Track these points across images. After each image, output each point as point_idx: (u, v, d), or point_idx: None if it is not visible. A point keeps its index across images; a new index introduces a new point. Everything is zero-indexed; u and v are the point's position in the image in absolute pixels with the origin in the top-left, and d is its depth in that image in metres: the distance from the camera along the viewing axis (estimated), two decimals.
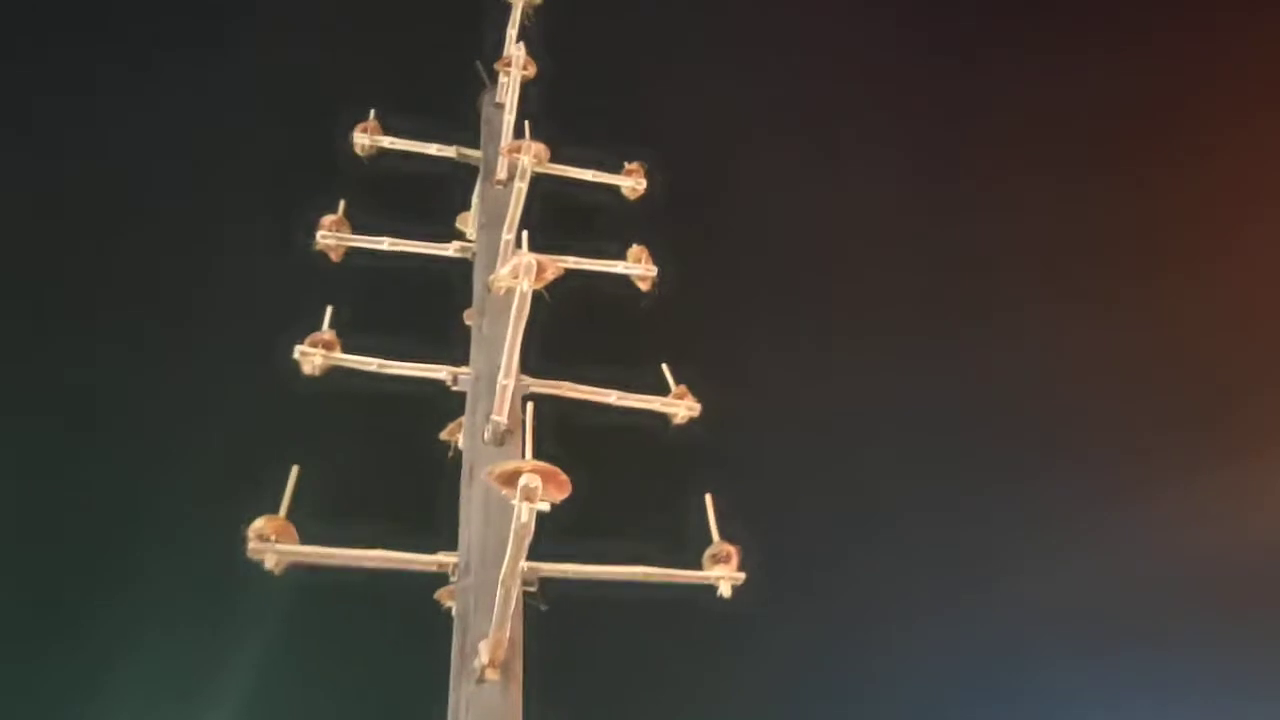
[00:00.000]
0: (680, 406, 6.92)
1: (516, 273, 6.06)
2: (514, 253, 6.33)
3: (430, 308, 7.52)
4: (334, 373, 6.72)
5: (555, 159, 7.45)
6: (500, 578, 5.27)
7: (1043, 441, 12.20)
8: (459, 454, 6.61)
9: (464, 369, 6.71)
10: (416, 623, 6.07)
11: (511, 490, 5.07)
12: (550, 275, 6.16)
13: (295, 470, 6.02)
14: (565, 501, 5.71)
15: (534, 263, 6.04)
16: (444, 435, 6.89)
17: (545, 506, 5.05)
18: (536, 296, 6.07)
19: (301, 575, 5.88)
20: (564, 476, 5.13)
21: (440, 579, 6.05)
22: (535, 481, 5.02)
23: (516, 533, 5.11)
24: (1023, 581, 11.42)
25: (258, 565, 5.80)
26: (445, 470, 6.54)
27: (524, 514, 5.02)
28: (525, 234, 6.86)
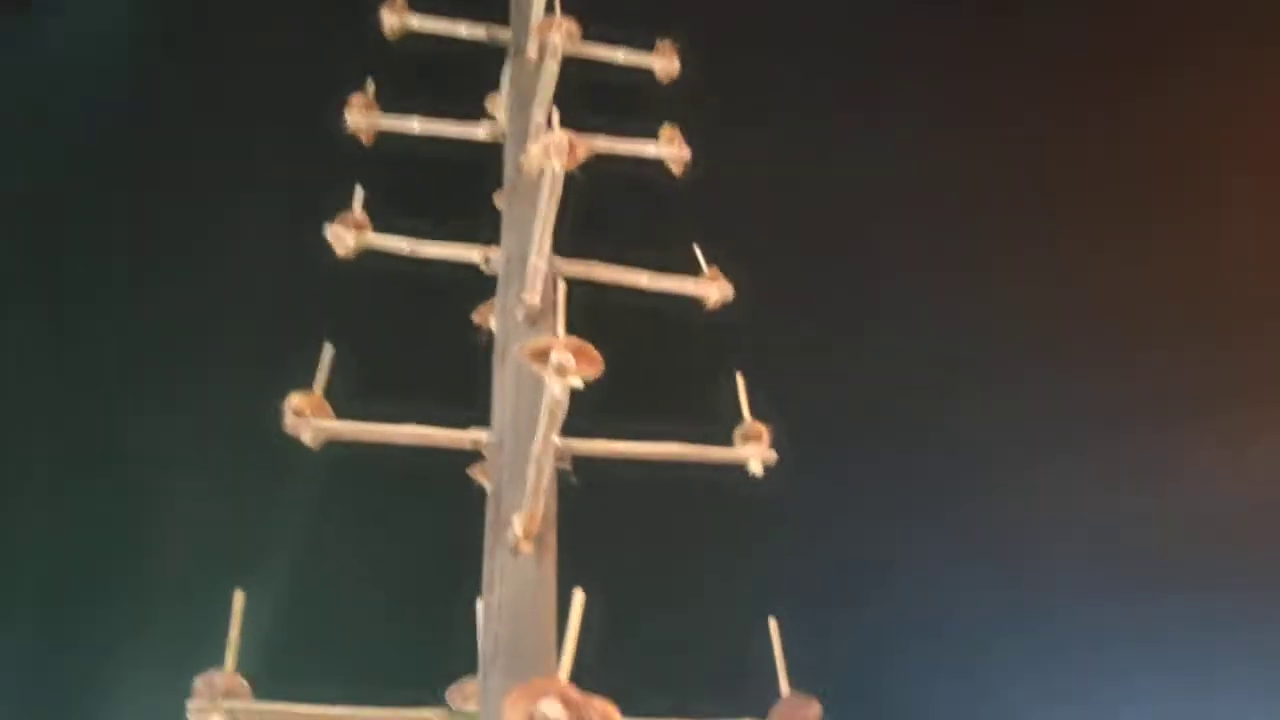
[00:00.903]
0: (713, 289, 6.84)
1: (547, 152, 5.96)
2: (545, 133, 6.21)
3: (461, 191, 7.44)
4: (366, 255, 6.70)
5: (586, 38, 7.25)
6: (533, 453, 5.29)
7: (1099, 345, 11.98)
8: (491, 336, 6.61)
9: (495, 250, 6.65)
10: (451, 499, 6.13)
11: (543, 366, 5.06)
12: (581, 154, 6.04)
13: (329, 349, 6.05)
14: (598, 381, 5.71)
15: (565, 141, 5.93)
16: (476, 318, 6.87)
17: (577, 382, 5.04)
18: (568, 176, 5.98)
19: (338, 452, 5.95)
20: (595, 353, 5.09)
21: (474, 456, 6.10)
22: (567, 357, 5.00)
23: (549, 408, 5.12)
24: (1055, 478, 11.36)
25: (295, 441, 5.88)
26: (478, 352, 6.55)
27: (556, 390, 5.01)
28: (556, 114, 6.71)
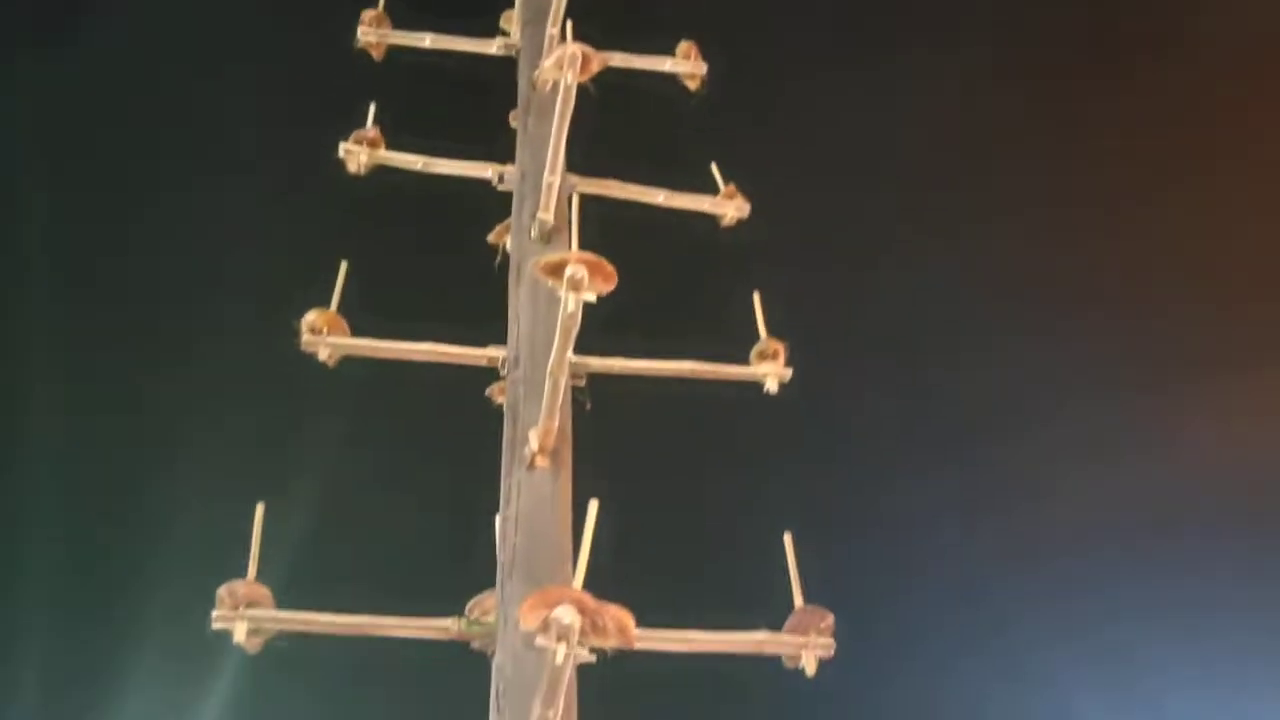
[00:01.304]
0: (729, 207, 6.77)
1: (560, 65, 5.86)
2: (558, 46, 6.10)
3: (474, 109, 7.35)
4: (379, 171, 6.65)
5: None
6: (549, 368, 5.28)
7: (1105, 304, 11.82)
8: (507, 257, 6.57)
9: (509, 167, 6.59)
10: (469, 419, 6.15)
11: (558, 281, 5.03)
12: (595, 67, 5.94)
13: (344, 266, 6.04)
14: (613, 300, 5.69)
15: (578, 54, 5.82)
16: (491, 238, 6.83)
17: (591, 297, 5.01)
18: (581, 90, 5.89)
19: (355, 369, 5.97)
20: (610, 268, 5.05)
21: (491, 375, 6.11)
22: (581, 272, 4.95)
23: (563, 324, 5.09)
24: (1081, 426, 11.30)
25: (311, 359, 5.89)
26: (492, 272, 6.52)
27: (570, 304, 4.98)
28: (570, 27, 6.58)
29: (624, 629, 4.15)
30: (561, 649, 4.00)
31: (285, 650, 5.19)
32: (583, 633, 4.04)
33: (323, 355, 5.83)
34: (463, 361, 6.00)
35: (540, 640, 4.10)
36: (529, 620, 4.14)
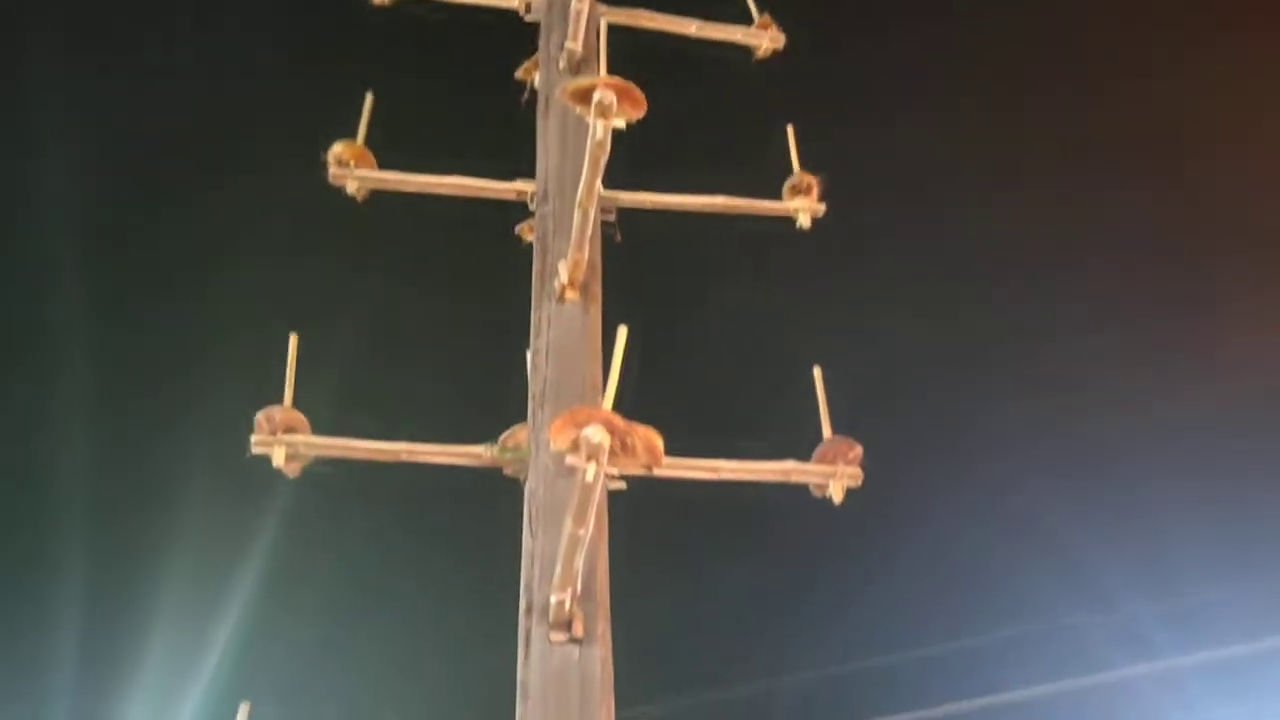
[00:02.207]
0: (764, 38, 6.51)
1: None
2: None
3: None
4: (405, 2, 6.44)
5: None
6: (577, 199, 5.19)
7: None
8: (535, 94, 6.41)
9: None
10: (497, 255, 6.10)
11: (585, 108, 4.89)
12: None
13: (369, 99, 5.91)
14: (644, 133, 5.54)
15: None
16: (519, 74, 6.65)
17: (620, 123, 4.87)
18: None
19: (383, 204, 5.91)
20: (639, 93, 4.89)
21: (521, 211, 6.02)
22: (610, 97, 4.81)
23: (592, 152, 4.97)
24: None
25: (339, 192, 5.83)
26: (521, 109, 6.36)
27: (599, 131, 4.85)
28: None
29: (652, 449, 4.17)
30: (591, 468, 4.03)
31: (325, 477, 5.30)
32: (612, 452, 4.07)
33: (351, 189, 5.77)
34: (491, 195, 5.92)
35: (570, 460, 4.13)
36: (559, 440, 4.17)
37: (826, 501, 5.33)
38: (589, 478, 4.03)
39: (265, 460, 5.07)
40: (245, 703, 4.50)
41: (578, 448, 4.07)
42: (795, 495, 5.54)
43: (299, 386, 5.24)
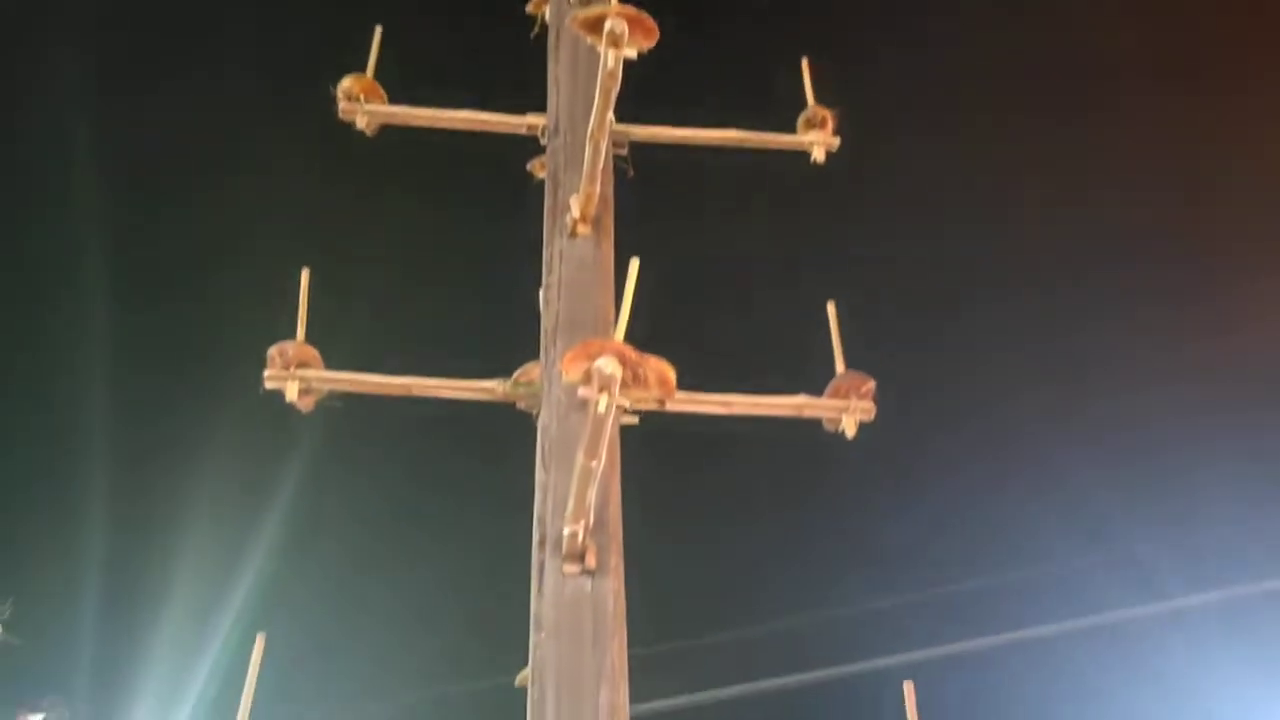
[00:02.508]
0: None
1: None
2: None
3: None
4: None
5: None
6: (589, 132, 5.10)
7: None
8: (545, 28, 6.28)
9: None
10: (509, 192, 6.02)
11: (596, 37, 4.78)
12: None
13: (378, 31, 5.80)
14: (655, 66, 5.42)
15: None
16: (530, 8, 6.52)
17: (632, 53, 4.76)
18: None
19: (393, 138, 5.82)
20: (651, 22, 4.77)
21: (533, 147, 5.93)
22: (621, 25, 4.69)
23: (603, 83, 4.87)
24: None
25: (349, 129, 5.75)
26: (531, 44, 6.25)
27: (610, 61, 4.74)
28: None
29: (665, 380, 4.13)
30: (603, 399, 4.00)
31: (343, 418, 5.29)
32: (624, 383, 4.03)
33: (360, 123, 5.68)
34: (502, 129, 5.82)
35: (582, 391, 4.10)
36: (571, 372, 4.13)
37: (839, 438, 5.28)
38: (601, 409, 4.00)
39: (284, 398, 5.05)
40: (261, 634, 4.52)
41: (589, 379, 4.03)
42: (807, 432, 5.51)
43: (315, 323, 5.22)
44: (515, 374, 5.75)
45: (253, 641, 4.61)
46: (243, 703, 4.41)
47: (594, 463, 4.21)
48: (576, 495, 4.33)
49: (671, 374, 4.16)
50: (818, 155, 5.79)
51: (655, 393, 4.10)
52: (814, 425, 5.26)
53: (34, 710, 9.72)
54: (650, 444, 5.05)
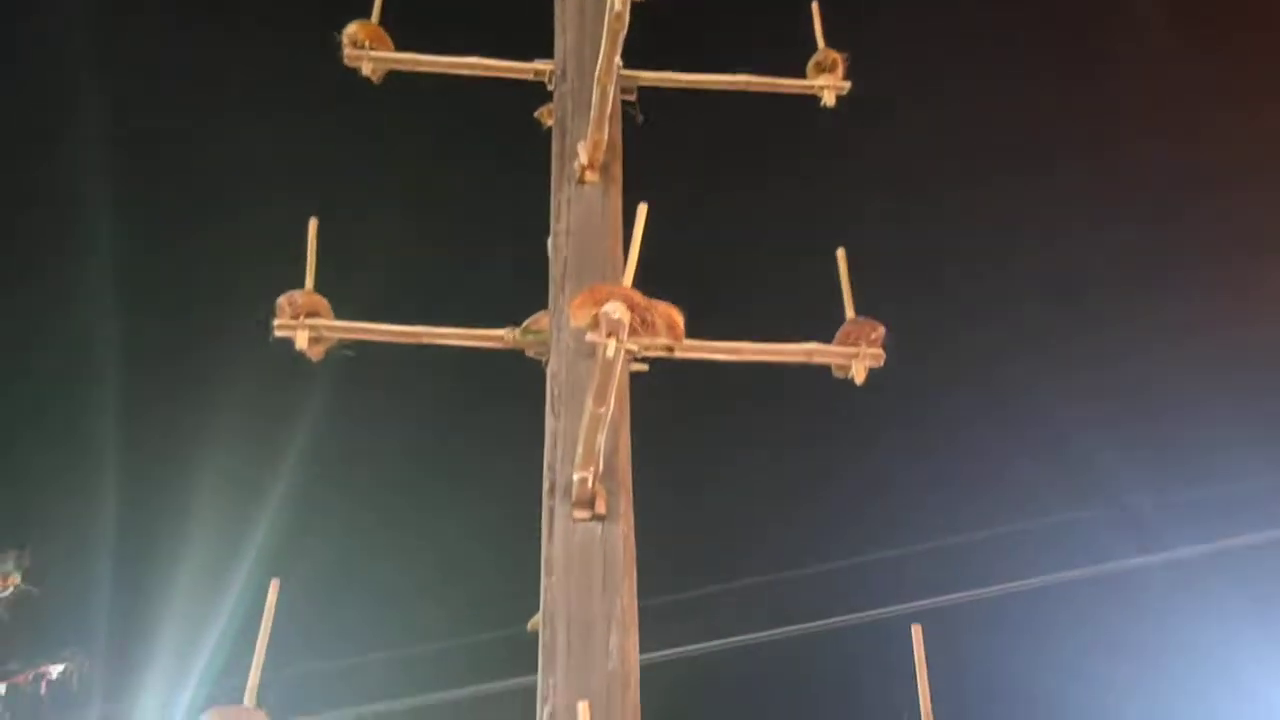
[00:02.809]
0: None
1: None
2: None
3: None
4: None
5: None
6: (596, 76, 5.01)
7: None
8: None
9: None
10: (515, 140, 5.95)
11: None
12: None
13: None
14: (664, 11, 5.32)
15: None
16: None
17: None
18: None
19: (399, 84, 5.74)
20: None
21: (540, 94, 5.84)
22: None
23: (610, 26, 4.77)
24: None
25: (356, 74, 5.66)
26: None
27: (617, 3, 4.65)
28: None
29: (673, 325, 4.09)
30: (611, 344, 3.96)
31: (351, 363, 5.26)
32: (632, 329, 4.00)
33: (366, 70, 5.59)
34: (509, 75, 5.73)
35: (590, 336, 4.06)
36: (579, 317, 4.10)
37: (848, 385, 5.24)
38: (609, 355, 3.97)
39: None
40: (275, 579, 4.53)
41: (598, 324, 4.00)
42: (817, 381, 5.47)
43: (326, 273, 5.17)
44: (525, 322, 5.72)
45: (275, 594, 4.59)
46: (257, 648, 4.42)
47: (602, 409, 4.19)
48: (585, 441, 4.31)
49: (680, 319, 4.12)
50: (828, 99, 5.69)
51: (664, 338, 4.07)
52: (824, 373, 5.20)
53: (53, 661, 9.82)
54: (660, 392, 5.02)
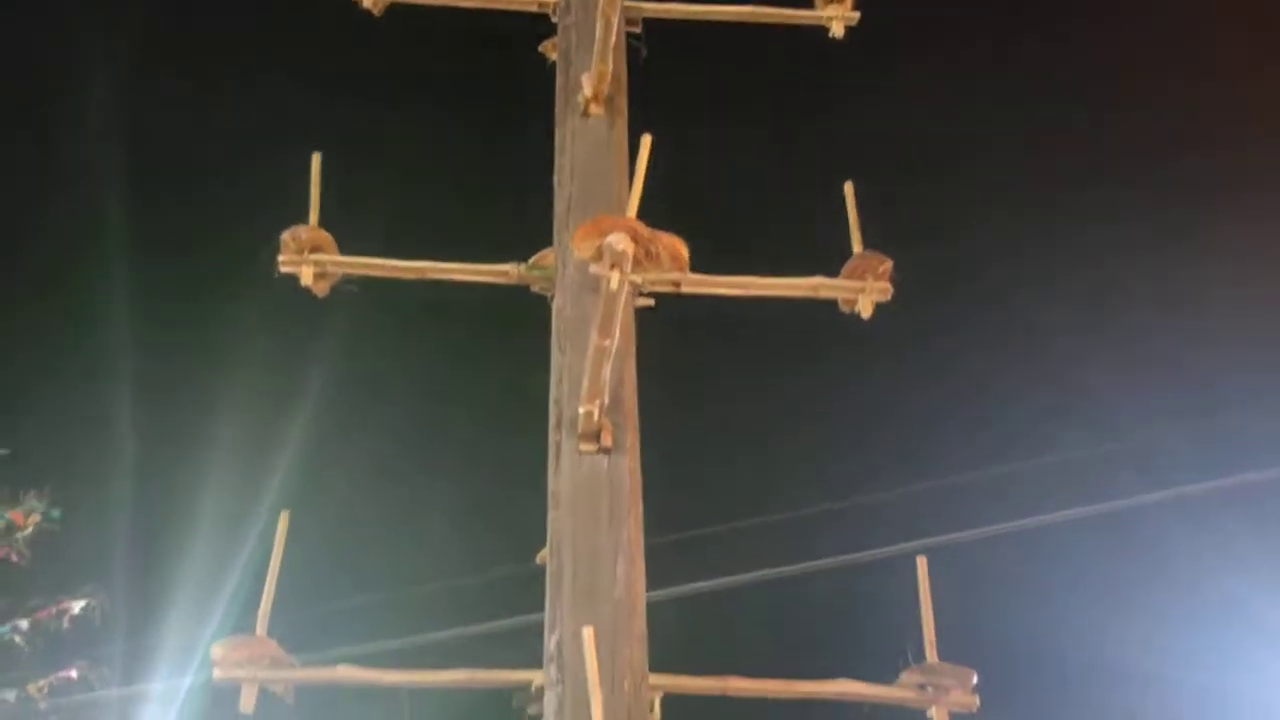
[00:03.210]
0: None
1: None
2: None
3: None
4: None
5: None
6: (599, 8, 4.91)
7: None
8: None
9: None
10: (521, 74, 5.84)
11: None
12: None
13: None
14: None
15: None
16: None
17: None
18: None
19: (402, 18, 5.64)
20: None
21: (543, 25, 5.74)
22: None
23: None
24: None
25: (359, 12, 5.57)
26: None
27: None
28: None
29: (677, 256, 4.05)
30: (615, 276, 3.92)
31: (356, 297, 5.23)
32: (636, 260, 3.95)
33: (366, 2, 5.50)
34: (513, 7, 5.63)
35: (594, 268, 4.02)
36: (583, 249, 4.05)
37: (854, 319, 5.18)
38: (613, 286, 3.92)
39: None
40: (285, 511, 4.55)
41: (601, 256, 3.95)
42: (823, 316, 5.41)
43: (331, 210, 5.13)
44: (532, 259, 5.67)
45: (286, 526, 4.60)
46: (268, 580, 4.45)
47: (607, 341, 4.16)
48: (591, 374, 4.28)
49: (684, 250, 4.07)
50: (836, 30, 5.56)
51: (668, 269, 4.02)
52: (830, 307, 5.15)
53: (74, 597, 9.93)
54: (665, 327, 4.98)
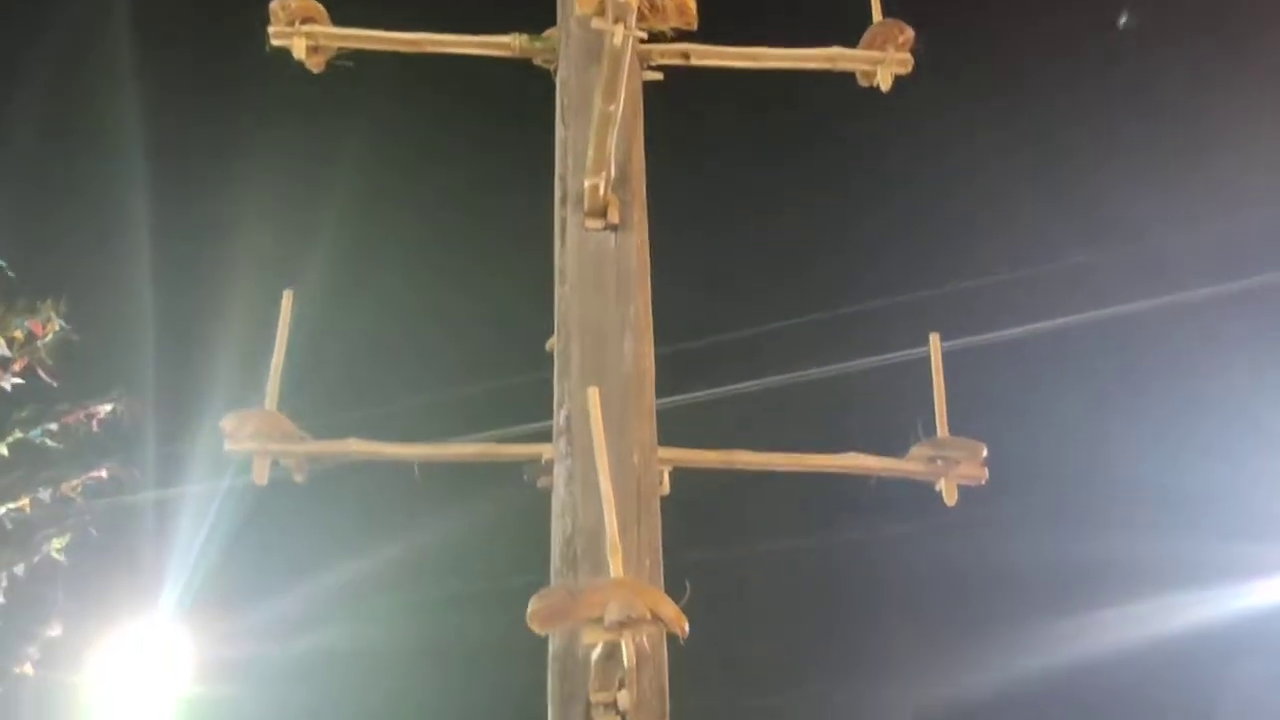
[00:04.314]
0: None
1: None
2: None
3: None
4: None
5: None
6: None
7: None
8: None
9: None
10: None
11: None
12: None
13: None
14: None
15: None
16: None
17: None
18: None
19: None
20: None
21: None
22: None
23: None
24: None
25: None
26: None
27: None
28: None
29: (683, 8, 3.75)
30: (619, 30, 3.63)
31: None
32: (640, 14, 3.65)
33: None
34: None
35: (596, 23, 3.72)
36: (584, 3, 3.74)
37: (873, 92, 4.85)
38: (616, 42, 3.63)
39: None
40: (288, 291, 4.41)
41: (604, 11, 3.64)
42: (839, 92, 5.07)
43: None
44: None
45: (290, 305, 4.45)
46: (275, 357, 4.35)
47: (612, 106, 3.90)
48: (595, 144, 4.05)
49: (691, 2, 3.75)
50: None
51: (673, 21, 3.71)
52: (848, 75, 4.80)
53: (100, 402, 9.95)
54: (674, 100, 4.67)
